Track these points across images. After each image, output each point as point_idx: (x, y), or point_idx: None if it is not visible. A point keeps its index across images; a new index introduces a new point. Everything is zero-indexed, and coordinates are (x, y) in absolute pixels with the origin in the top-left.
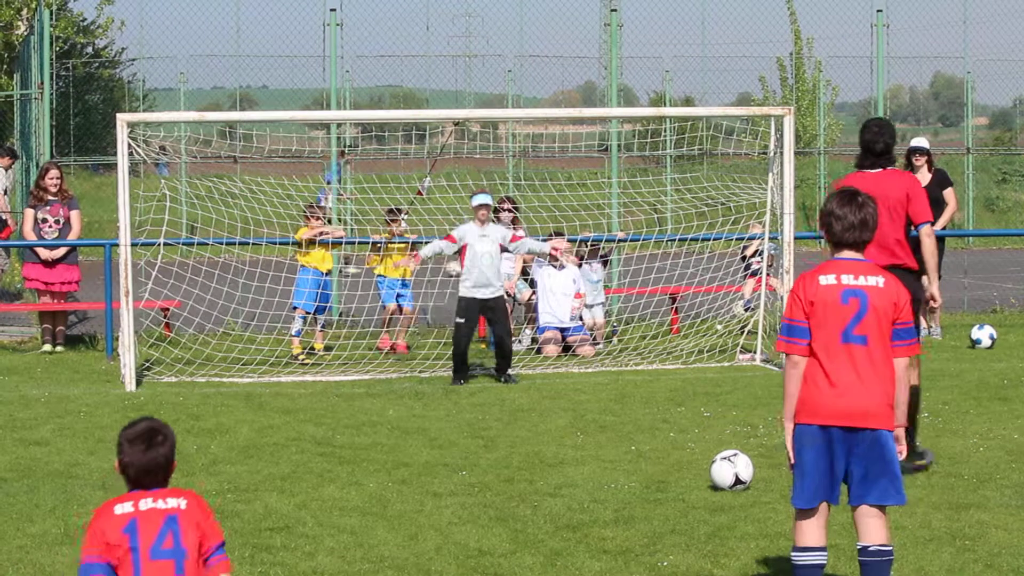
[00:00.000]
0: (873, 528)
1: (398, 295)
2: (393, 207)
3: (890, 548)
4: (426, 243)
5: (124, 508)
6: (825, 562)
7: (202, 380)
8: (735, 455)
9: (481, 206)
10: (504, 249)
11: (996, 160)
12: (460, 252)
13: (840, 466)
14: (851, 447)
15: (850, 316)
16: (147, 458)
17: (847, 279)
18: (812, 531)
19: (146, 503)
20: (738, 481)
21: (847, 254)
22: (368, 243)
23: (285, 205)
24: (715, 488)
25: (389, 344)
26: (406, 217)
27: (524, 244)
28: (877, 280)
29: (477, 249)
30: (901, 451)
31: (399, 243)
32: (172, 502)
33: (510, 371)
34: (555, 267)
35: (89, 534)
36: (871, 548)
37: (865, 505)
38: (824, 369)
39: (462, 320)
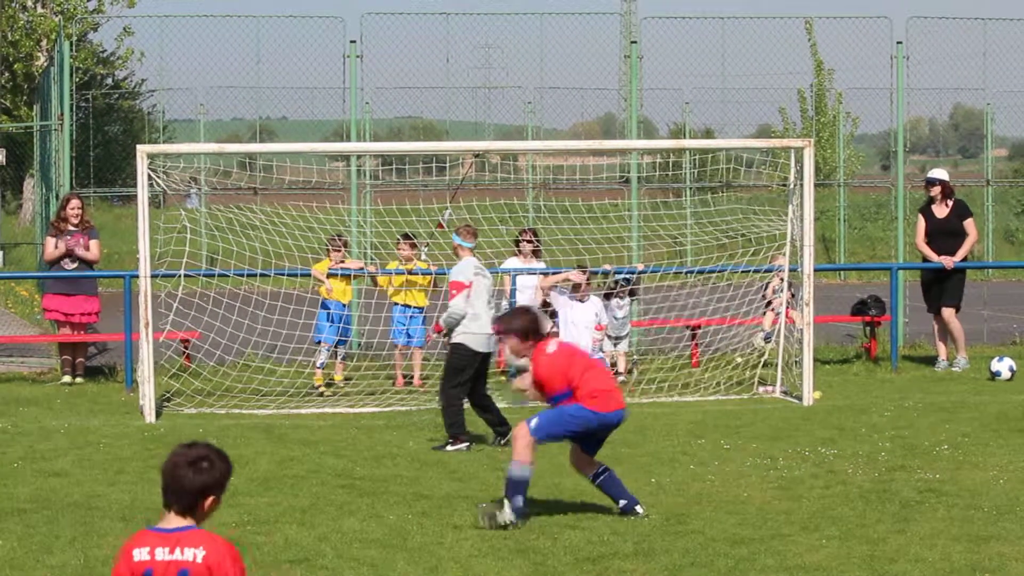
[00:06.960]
0: None
1: (408, 333)
2: (405, 233)
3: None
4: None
5: (142, 555)
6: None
7: (222, 412)
8: None
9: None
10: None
11: (1016, 192)
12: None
13: None
14: None
15: None
16: (177, 475)
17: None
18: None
19: (162, 552)
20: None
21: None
22: (390, 275)
23: (306, 237)
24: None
25: (403, 383)
26: (427, 250)
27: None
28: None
29: (477, 286)
30: None
31: (421, 274)
32: (188, 553)
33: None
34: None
35: None
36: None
37: None
38: None
39: (459, 369)
